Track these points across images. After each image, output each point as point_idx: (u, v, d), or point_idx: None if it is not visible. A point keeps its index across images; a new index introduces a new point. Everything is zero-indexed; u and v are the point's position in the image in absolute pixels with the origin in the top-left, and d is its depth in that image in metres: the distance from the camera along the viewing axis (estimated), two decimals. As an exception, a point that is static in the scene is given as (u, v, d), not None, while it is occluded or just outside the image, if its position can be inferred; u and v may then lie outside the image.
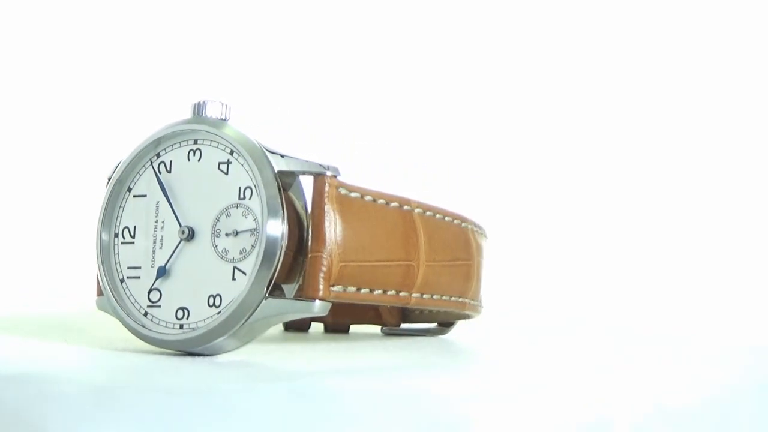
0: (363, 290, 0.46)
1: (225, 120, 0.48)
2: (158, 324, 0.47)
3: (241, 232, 0.45)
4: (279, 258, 0.44)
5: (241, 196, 0.46)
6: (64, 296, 0.66)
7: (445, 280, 0.50)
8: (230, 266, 0.45)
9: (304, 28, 0.94)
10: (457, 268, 0.51)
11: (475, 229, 0.54)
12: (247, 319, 0.44)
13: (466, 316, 0.58)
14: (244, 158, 0.46)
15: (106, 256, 0.49)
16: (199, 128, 0.47)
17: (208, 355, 0.46)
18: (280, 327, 0.64)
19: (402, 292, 0.48)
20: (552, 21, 1.01)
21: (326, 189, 0.45)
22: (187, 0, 0.91)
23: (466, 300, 0.53)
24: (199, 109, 0.47)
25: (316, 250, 0.45)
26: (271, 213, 0.44)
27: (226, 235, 0.46)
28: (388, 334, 0.62)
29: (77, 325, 0.56)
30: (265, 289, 0.44)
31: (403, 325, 0.62)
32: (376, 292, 0.47)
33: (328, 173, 0.46)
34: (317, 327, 0.64)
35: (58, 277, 0.78)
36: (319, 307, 0.45)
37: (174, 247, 0.47)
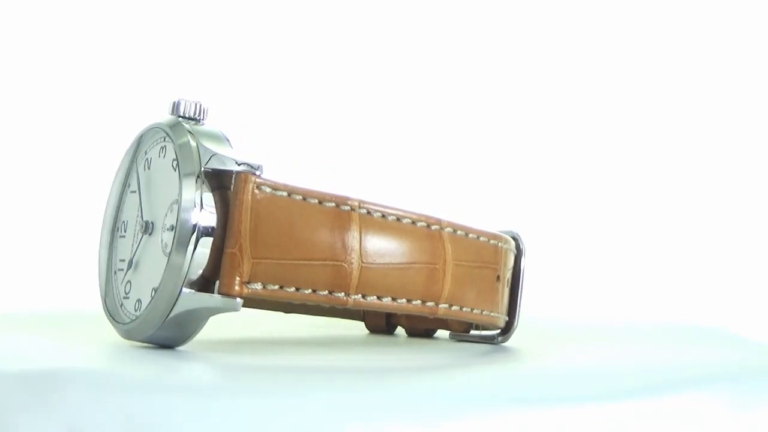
0: (288, 288, 0.46)
1: (198, 119, 0.49)
2: (125, 315, 0.49)
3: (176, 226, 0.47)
4: (192, 251, 0.45)
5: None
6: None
7: (395, 282, 0.47)
8: (165, 259, 0.47)
9: (303, 27, 0.91)
10: (415, 271, 0.48)
11: (461, 233, 0.50)
12: (170, 312, 0.46)
13: (490, 326, 0.54)
14: (179, 155, 0.47)
15: (105, 249, 0.52)
16: (165, 127, 0.49)
17: (169, 347, 0.47)
18: (365, 330, 0.63)
19: (336, 292, 0.46)
20: (556, 23, 0.91)
21: (244, 186, 0.45)
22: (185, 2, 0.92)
23: (439, 305, 0.49)
24: (174, 108, 0.49)
25: (229, 246, 0.45)
26: (185, 208, 0.45)
27: (167, 229, 0.47)
28: (457, 340, 0.60)
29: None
30: (181, 283, 0.45)
31: (473, 332, 0.59)
32: (304, 291, 0.46)
33: (257, 172, 0.46)
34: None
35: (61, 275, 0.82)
36: (235, 304, 0.45)
37: (139, 241, 0.49)
